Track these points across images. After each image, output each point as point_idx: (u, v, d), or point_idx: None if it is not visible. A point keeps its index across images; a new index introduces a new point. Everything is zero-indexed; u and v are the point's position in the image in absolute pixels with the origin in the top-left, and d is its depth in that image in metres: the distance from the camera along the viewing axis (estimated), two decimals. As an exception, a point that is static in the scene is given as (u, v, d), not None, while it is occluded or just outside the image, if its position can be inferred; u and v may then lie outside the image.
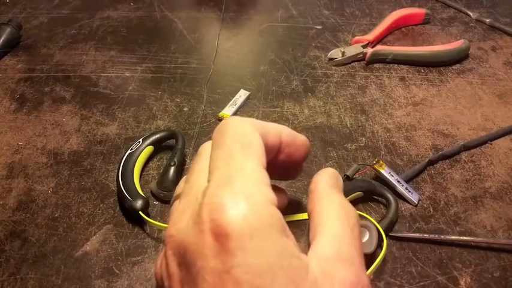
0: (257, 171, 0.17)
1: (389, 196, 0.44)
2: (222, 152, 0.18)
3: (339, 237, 0.18)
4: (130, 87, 0.60)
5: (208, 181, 0.18)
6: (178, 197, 0.20)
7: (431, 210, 0.45)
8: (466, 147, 0.51)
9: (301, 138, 0.23)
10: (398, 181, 0.45)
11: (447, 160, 0.50)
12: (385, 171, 0.45)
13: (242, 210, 0.16)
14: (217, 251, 0.15)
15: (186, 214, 0.17)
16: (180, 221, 0.17)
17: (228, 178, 0.17)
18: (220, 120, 0.55)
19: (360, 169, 0.47)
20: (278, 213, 0.17)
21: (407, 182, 0.46)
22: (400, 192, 0.45)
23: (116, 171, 0.46)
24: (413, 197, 0.45)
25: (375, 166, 0.46)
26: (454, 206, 0.45)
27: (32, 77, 0.62)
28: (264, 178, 0.18)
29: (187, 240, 0.16)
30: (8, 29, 0.67)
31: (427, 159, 0.49)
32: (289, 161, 0.22)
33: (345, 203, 0.20)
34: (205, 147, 0.21)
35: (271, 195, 0.17)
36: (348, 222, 0.19)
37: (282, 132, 0.22)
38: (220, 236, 0.15)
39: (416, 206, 0.45)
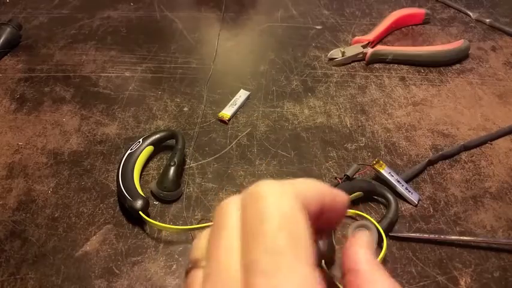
0: (311, 280, 0.14)
1: (389, 196, 0.44)
2: (263, 243, 0.15)
3: None
4: (130, 87, 0.60)
5: (247, 273, 0.15)
6: (196, 265, 0.17)
7: (431, 210, 0.45)
8: (466, 147, 0.51)
9: (341, 199, 0.19)
10: (398, 181, 0.45)
11: (447, 160, 0.50)
12: (385, 171, 0.45)
13: None
14: None
15: None
16: None
17: (269, 267, 0.14)
18: (220, 120, 0.55)
19: (360, 169, 0.47)
20: None
21: (407, 182, 0.46)
22: (400, 192, 0.45)
23: (116, 171, 0.46)
24: (413, 197, 0.45)
25: (375, 166, 0.46)
26: (454, 206, 0.45)
27: (32, 77, 0.62)
28: (306, 258, 0.15)
29: None
30: (8, 29, 0.67)
31: (427, 159, 0.49)
32: (329, 221, 0.19)
33: (394, 283, 0.17)
34: (231, 213, 0.17)
35: (312, 278, 0.14)
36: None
37: (324, 197, 0.18)
38: None
39: (416, 206, 0.45)
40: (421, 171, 0.48)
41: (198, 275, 0.17)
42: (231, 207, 0.17)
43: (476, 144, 0.51)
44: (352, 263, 0.18)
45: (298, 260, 0.14)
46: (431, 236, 0.42)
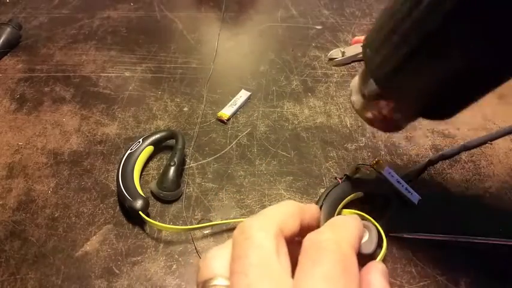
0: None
1: (389, 196, 0.44)
2: (313, 277, 0.17)
3: None
4: (130, 87, 0.60)
5: None
6: (210, 285, 0.19)
7: (432, 210, 0.45)
8: (466, 147, 0.51)
9: (314, 210, 0.22)
10: (398, 181, 0.45)
11: (447, 160, 0.50)
12: (385, 172, 0.45)
13: None
14: None
15: None
16: None
17: None
18: (219, 119, 0.55)
19: (360, 169, 0.47)
20: None
21: (407, 182, 0.46)
22: (400, 193, 0.45)
23: (116, 171, 0.46)
24: (413, 197, 0.45)
25: (375, 166, 0.46)
26: (454, 206, 0.45)
27: (32, 77, 0.62)
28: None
29: None
30: (8, 29, 0.67)
31: (427, 159, 0.49)
32: (309, 228, 0.21)
33: None
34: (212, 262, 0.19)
35: None
36: None
37: (298, 212, 0.21)
38: None
39: (416, 206, 0.45)
40: (421, 171, 0.48)
41: None
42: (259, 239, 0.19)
43: (476, 144, 0.51)
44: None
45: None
46: (431, 235, 0.42)
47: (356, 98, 0.35)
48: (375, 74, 0.31)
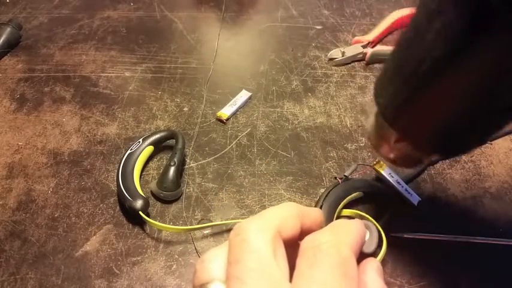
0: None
1: (389, 196, 0.44)
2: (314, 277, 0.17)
3: None
4: (130, 87, 0.60)
5: None
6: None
7: (432, 210, 0.45)
8: None
9: (317, 214, 0.22)
10: (398, 182, 0.45)
11: (447, 160, 0.50)
12: (385, 172, 0.45)
13: None
14: None
15: None
16: None
17: None
18: (219, 120, 0.55)
19: (359, 169, 0.47)
20: None
21: (407, 182, 0.46)
22: (400, 193, 0.45)
23: (116, 171, 0.46)
24: (413, 198, 0.45)
25: (375, 167, 0.46)
26: (454, 206, 0.45)
27: (32, 77, 0.62)
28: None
29: None
30: (8, 29, 0.66)
31: None
32: (310, 231, 0.21)
33: None
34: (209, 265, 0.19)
35: None
36: None
37: (297, 215, 0.20)
38: None
39: (416, 207, 0.45)
40: (421, 172, 0.48)
41: None
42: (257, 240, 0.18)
43: None
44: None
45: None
46: (432, 236, 0.42)
47: (375, 141, 0.35)
48: (387, 116, 0.31)
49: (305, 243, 0.18)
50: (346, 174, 0.46)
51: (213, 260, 0.19)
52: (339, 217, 0.44)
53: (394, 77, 0.29)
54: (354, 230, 0.20)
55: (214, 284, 0.18)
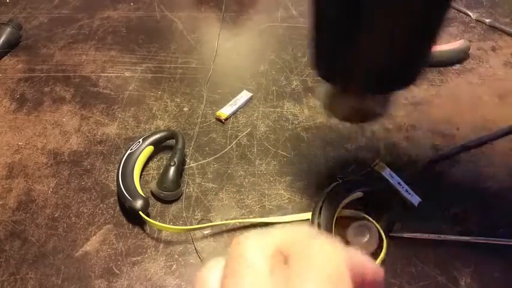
0: None
1: (389, 196, 0.44)
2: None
3: None
4: (130, 87, 0.60)
5: None
6: None
7: (431, 210, 0.45)
8: (466, 147, 0.51)
9: (303, 230, 0.20)
10: (399, 183, 0.45)
11: (447, 160, 0.50)
12: (385, 173, 0.45)
13: None
14: None
15: None
16: None
17: None
18: (218, 119, 0.55)
19: (359, 169, 0.47)
20: None
21: (408, 182, 0.46)
22: (401, 194, 0.45)
23: (116, 171, 0.46)
24: (413, 199, 0.44)
25: (376, 167, 0.46)
26: (454, 206, 0.45)
27: (32, 77, 0.62)
28: None
29: None
30: (8, 29, 0.67)
31: (427, 160, 0.49)
32: None
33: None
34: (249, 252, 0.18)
35: None
36: None
37: (292, 238, 0.19)
38: None
39: (416, 207, 0.45)
40: (421, 172, 0.48)
41: None
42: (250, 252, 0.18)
43: (476, 144, 0.51)
44: None
45: None
46: (431, 236, 0.42)
47: (327, 104, 0.38)
48: (325, 75, 0.34)
49: (295, 253, 0.17)
50: (346, 174, 0.46)
51: (213, 271, 0.19)
52: (338, 217, 0.44)
53: (318, 40, 0.32)
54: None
55: None
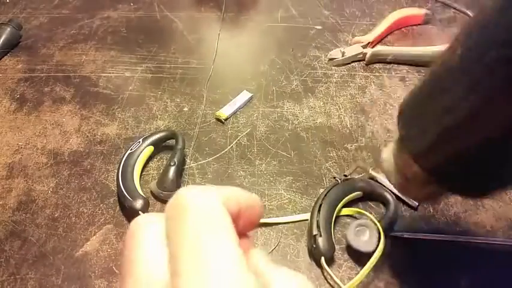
0: (235, 258, 0.15)
1: (389, 196, 0.44)
2: (187, 240, 0.15)
3: None
4: (130, 87, 0.60)
5: (174, 275, 0.14)
6: None
7: (431, 210, 0.45)
8: None
9: (255, 197, 0.20)
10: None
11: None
12: (381, 178, 0.45)
13: None
14: None
15: None
16: None
17: (205, 274, 0.14)
18: (217, 119, 0.55)
19: (358, 169, 0.47)
20: None
21: None
22: (400, 196, 0.45)
23: (116, 171, 0.46)
24: (412, 201, 0.44)
25: (372, 172, 0.46)
26: (454, 206, 0.45)
27: (32, 77, 0.62)
28: (243, 263, 0.15)
29: None
30: (8, 29, 0.67)
31: None
32: (247, 223, 0.19)
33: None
34: (143, 230, 0.16)
35: (256, 284, 0.15)
36: None
37: (239, 196, 0.18)
38: None
39: (416, 209, 0.44)
40: None
41: None
42: (141, 223, 0.16)
43: None
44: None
45: (221, 245, 0.15)
46: (431, 235, 0.42)
47: (399, 181, 0.33)
48: (417, 154, 0.30)
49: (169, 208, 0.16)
50: (345, 174, 0.46)
51: (148, 226, 0.16)
52: (338, 216, 0.44)
53: (425, 113, 0.28)
54: (223, 186, 0.18)
55: None
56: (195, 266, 0.14)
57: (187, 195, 0.16)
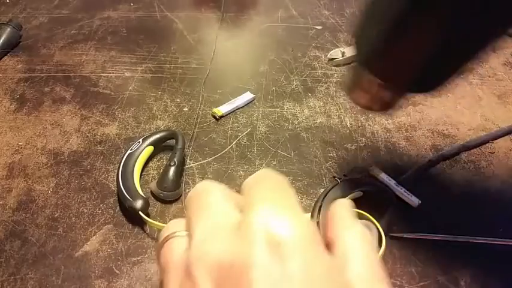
0: (296, 203, 0.18)
1: (389, 196, 0.44)
2: (259, 188, 0.18)
3: (370, 260, 0.18)
4: (130, 87, 0.60)
5: (244, 211, 0.17)
6: (171, 235, 0.19)
7: (431, 211, 0.45)
8: (466, 147, 0.51)
9: None
10: (396, 185, 0.45)
11: (447, 160, 0.50)
12: (382, 177, 0.45)
13: (294, 224, 0.16)
14: (274, 259, 0.15)
15: (218, 236, 0.17)
16: (210, 243, 0.16)
17: (273, 201, 0.17)
18: (214, 116, 0.55)
19: (358, 169, 0.47)
20: (315, 230, 0.17)
21: (408, 183, 0.46)
22: (400, 195, 0.45)
23: (116, 171, 0.46)
24: (412, 200, 0.44)
25: (371, 173, 0.46)
26: (454, 206, 0.45)
27: (32, 77, 0.62)
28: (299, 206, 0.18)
29: (234, 256, 0.16)
30: (8, 29, 0.67)
31: (427, 160, 0.49)
32: None
33: (367, 234, 0.20)
34: (212, 186, 0.20)
35: (307, 216, 0.18)
36: (373, 246, 0.19)
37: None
38: (275, 244, 0.15)
39: (416, 207, 0.44)
40: (421, 173, 0.48)
41: (176, 242, 0.18)
42: (209, 186, 0.20)
43: (476, 144, 0.51)
44: (331, 214, 0.22)
45: (286, 193, 0.18)
46: (431, 236, 0.42)
47: (353, 91, 0.38)
48: (363, 56, 0.35)
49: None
50: (345, 174, 0.46)
51: (176, 223, 0.20)
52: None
53: (373, 23, 0.33)
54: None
55: (178, 232, 0.19)
56: (264, 200, 0.17)
57: (264, 173, 0.20)
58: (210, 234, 0.17)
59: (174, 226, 0.19)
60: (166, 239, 0.19)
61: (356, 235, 0.20)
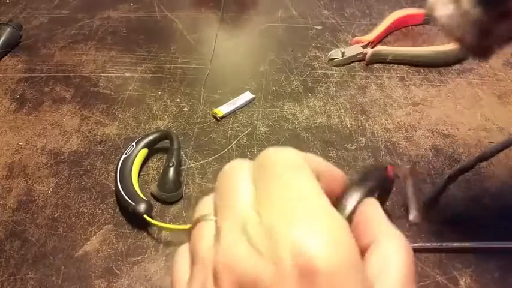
0: (321, 197, 0.17)
1: (388, 189, 0.43)
2: (275, 183, 0.18)
3: (407, 278, 0.17)
4: (130, 87, 0.60)
5: (261, 214, 0.17)
6: (204, 219, 0.19)
7: (431, 211, 0.44)
8: (483, 158, 0.44)
9: (337, 170, 0.23)
10: (412, 196, 0.44)
11: (447, 160, 0.50)
12: (408, 183, 0.44)
13: (326, 245, 0.15)
14: (304, 285, 0.14)
15: (240, 242, 0.16)
16: (237, 253, 0.16)
17: (296, 211, 0.16)
18: (214, 117, 0.55)
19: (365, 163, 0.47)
20: (354, 243, 0.16)
21: (428, 201, 0.45)
22: (407, 204, 0.44)
23: (114, 175, 0.45)
24: (413, 215, 0.43)
25: (397, 173, 0.45)
26: (453, 206, 0.45)
27: (32, 77, 0.62)
28: (328, 202, 0.17)
29: (260, 273, 0.15)
30: (8, 29, 0.66)
31: (446, 176, 0.44)
32: (327, 190, 0.20)
33: (404, 240, 0.20)
34: (237, 170, 0.21)
35: (342, 220, 0.16)
36: (410, 261, 0.18)
37: (318, 161, 0.21)
38: (307, 271, 0.14)
39: (411, 224, 0.43)
40: (442, 191, 0.45)
41: (207, 226, 0.19)
42: (238, 165, 0.22)
43: (491, 153, 0.44)
44: (363, 217, 0.21)
45: (307, 186, 0.17)
46: (432, 240, 0.41)
47: (450, 12, 0.30)
48: None
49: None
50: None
51: (208, 202, 0.20)
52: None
53: None
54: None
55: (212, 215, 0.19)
56: (287, 209, 0.16)
57: (274, 151, 0.21)
58: (237, 240, 0.16)
59: (206, 206, 0.20)
60: (198, 220, 0.19)
61: (397, 244, 0.19)
